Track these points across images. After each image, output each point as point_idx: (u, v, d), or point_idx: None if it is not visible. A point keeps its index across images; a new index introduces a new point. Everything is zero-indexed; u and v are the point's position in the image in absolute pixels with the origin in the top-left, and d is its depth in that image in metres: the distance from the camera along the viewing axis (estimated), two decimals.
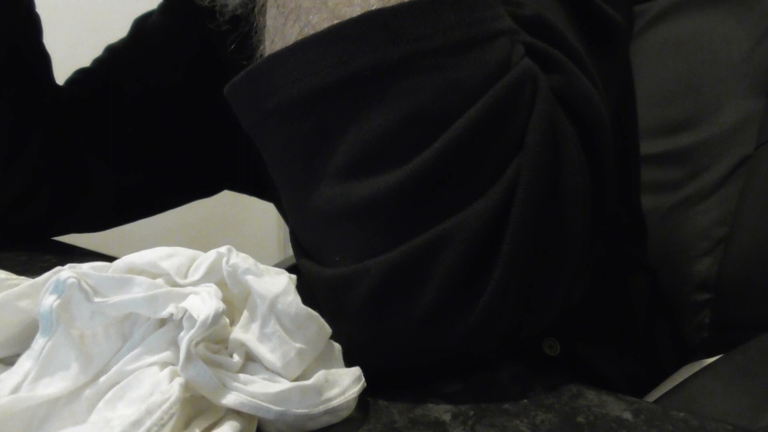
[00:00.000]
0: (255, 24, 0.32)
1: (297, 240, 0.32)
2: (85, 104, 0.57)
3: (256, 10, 0.32)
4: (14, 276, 0.34)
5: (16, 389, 0.26)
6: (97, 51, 0.62)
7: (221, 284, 0.29)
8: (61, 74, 0.58)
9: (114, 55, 0.61)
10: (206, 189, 0.67)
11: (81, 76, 0.60)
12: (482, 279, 0.27)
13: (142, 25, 0.62)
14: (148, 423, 0.23)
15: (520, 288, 0.29)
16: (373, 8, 0.26)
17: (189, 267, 0.29)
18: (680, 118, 0.67)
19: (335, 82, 0.26)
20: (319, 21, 0.26)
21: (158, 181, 0.61)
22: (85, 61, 0.62)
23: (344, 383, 0.28)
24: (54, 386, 0.26)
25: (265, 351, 0.27)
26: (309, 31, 0.26)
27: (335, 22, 0.26)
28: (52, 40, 0.56)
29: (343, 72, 0.25)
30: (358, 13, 0.26)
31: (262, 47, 0.30)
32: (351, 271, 0.27)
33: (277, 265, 0.30)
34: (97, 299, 0.27)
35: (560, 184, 0.29)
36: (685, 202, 0.64)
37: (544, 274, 0.30)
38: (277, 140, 0.28)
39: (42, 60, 0.55)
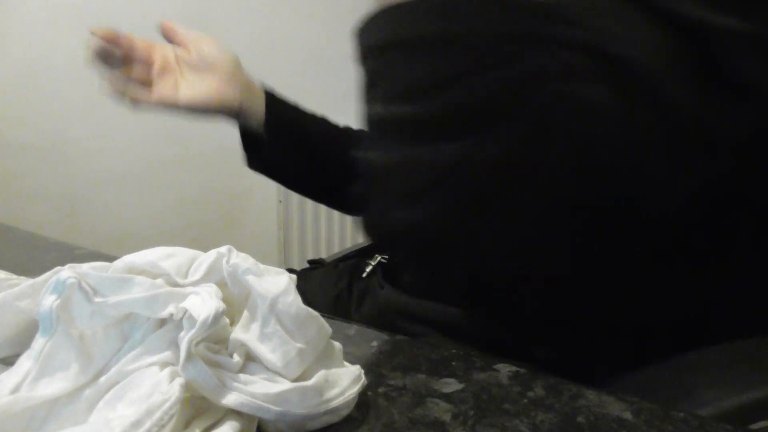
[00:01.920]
0: None
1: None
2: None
3: None
4: (14, 276, 0.34)
5: (16, 389, 0.26)
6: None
7: (221, 284, 0.29)
8: (62, 75, 0.58)
9: None
10: None
11: None
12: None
13: None
14: (148, 423, 0.23)
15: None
16: None
17: (189, 267, 0.29)
18: None
19: (384, 42, 0.37)
20: None
21: None
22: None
23: (344, 383, 0.28)
24: (54, 386, 0.26)
25: (265, 351, 0.27)
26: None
27: None
28: (52, 39, 0.56)
29: (389, 36, 0.37)
30: None
31: None
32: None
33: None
34: (97, 299, 0.27)
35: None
36: None
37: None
38: (360, 72, 0.41)
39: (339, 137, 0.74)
